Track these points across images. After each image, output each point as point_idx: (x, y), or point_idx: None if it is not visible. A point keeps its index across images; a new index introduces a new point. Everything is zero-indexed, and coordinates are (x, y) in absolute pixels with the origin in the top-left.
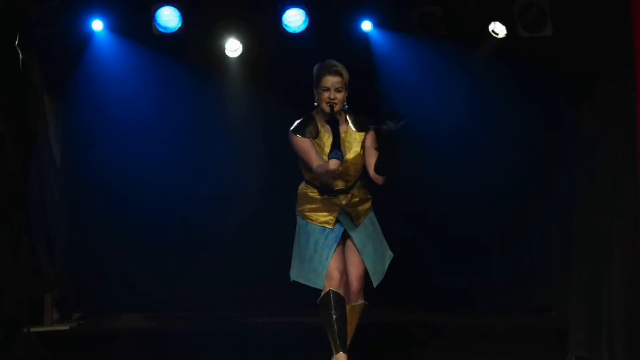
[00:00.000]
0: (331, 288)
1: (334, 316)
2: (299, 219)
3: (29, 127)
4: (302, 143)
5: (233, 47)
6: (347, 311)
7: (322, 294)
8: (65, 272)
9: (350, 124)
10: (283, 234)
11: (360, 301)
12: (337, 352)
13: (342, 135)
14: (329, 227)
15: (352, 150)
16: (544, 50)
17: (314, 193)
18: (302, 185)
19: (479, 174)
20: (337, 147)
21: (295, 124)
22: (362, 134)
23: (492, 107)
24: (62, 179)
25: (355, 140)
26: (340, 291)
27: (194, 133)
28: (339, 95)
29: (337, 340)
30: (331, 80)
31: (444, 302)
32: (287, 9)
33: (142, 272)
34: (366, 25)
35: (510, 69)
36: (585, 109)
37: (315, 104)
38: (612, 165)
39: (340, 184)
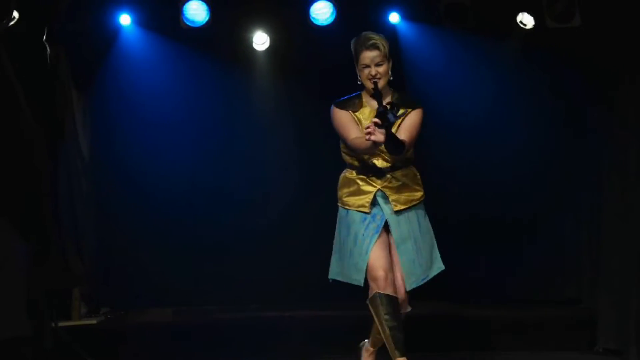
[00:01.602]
0: (378, 290)
1: (385, 318)
2: (339, 208)
3: (58, 122)
4: (341, 116)
5: (261, 41)
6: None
7: (370, 295)
8: (94, 267)
9: (392, 97)
10: (310, 228)
11: (406, 309)
12: (394, 357)
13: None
14: (365, 210)
15: (394, 128)
16: (572, 41)
17: (352, 175)
18: (343, 173)
19: (506, 165)
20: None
21: (339, 99)
22: (403, 110)
23: (520, 98)
24: (90, 173)
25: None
26: (389, 291)
27: (221, 127)
28: (381, 69)
29: (392, 344)
30: (369, 56)
31: (472, 294)
32: (315, 1)
33: (169, 267)
34: (394, 17)
35: (537, 61)
36: (614, 100)
37: (359, 82)
38: None
39: (379, 163)
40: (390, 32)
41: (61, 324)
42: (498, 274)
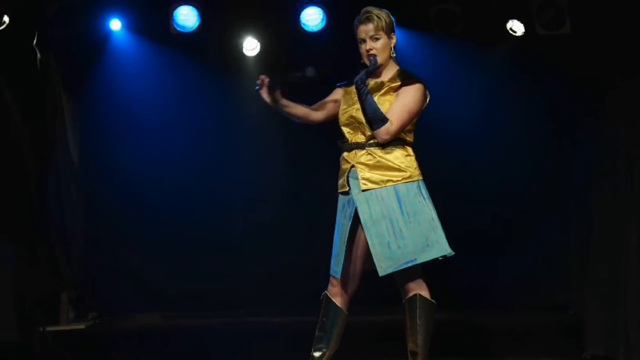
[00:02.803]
0: (327, 293)
1: (322, 319)
2: None
3: (47, 127)
4: (333, 92)
5: (251, 46)
6: (404, 306)
7: (323, 294)
8: (82, 272)
9: (394, 73)
10: (301, 232)
11: (417, 292)
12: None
13: (379, 79)
14: (345, 190)
15: (379, 101)
16: (561, 48)
17: (341, 157)
18: None
19: (494, 171)
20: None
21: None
22: (390, 83)
23: (509, 105)
24: (79, 178)
25: (377, 90)
26: (338, 300)
27: (211, 132)
28: (378, 44)
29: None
30: (364, 30)
31: (460, 300)
32: (305, 7)
33: (159, 271)
34: None
35: (527, 68)
36: (605, 107)
37: (361, 61)
38: (630, 163)
39: (355, 137)
40: None
41: (49, 328)
42: (486, 280)
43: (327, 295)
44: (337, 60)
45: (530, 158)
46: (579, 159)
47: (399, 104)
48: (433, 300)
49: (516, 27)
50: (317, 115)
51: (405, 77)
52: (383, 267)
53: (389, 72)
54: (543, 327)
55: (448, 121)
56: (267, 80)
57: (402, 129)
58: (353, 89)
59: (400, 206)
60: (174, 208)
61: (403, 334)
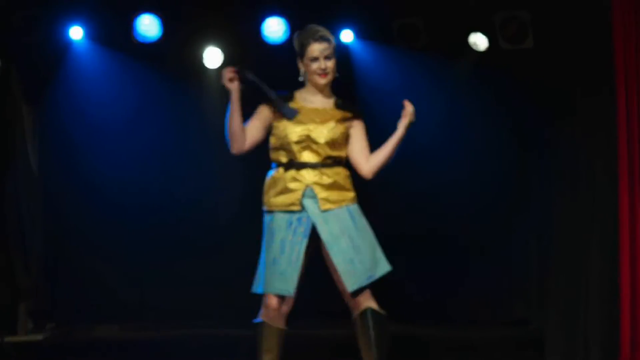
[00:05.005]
0: (265, 319)
1: (264, 349)
2: (264, 215)
3: (7, 136)
4: (259, 110)
5: (213, 57)
6: (355, 322)
7: (257, 320)
8: (41, 282)
9: (334, 100)
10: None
11: (367, 305)
12: None
13: (319, 106)
14: (296, 209)
15: (327, 124)
16: (524, 62)
17: (279, 174)
18: (268, 175)
19: (457, 187)
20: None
21: None
22: (344, 112)
23: (472, 118)
24: (40, 188)
25: (332, 116)
26: (278, 323)
27: (174, 141)
28: (330, 64)
29: None
30: (319, 49)
31: (419, 314)
32: (268, 18)
33: (120, 282)
34: (347, 36)
35: (490, 81)
36: (565, 120)
37: (301, 78)
38: (592, 177)
39: (307, 157)
40: (343, 51)
41: (7, 339)
42: (446, 294)
43: (267, 323)
44: (298, 72)
45: (491, 172)
46: (540, 173)
47: (366, 141)
48: (384, 312)
49: (479, 41)
50: (246, 142)
51: (352, 107)
52: (350, 283)
53: (330, 95)
54: (504, 342)
55: (411, 133)
56: (237, 72)
57: None
58: (306, 106)
59: (355, 223)
60: (134, 218)
61: (356, 348)
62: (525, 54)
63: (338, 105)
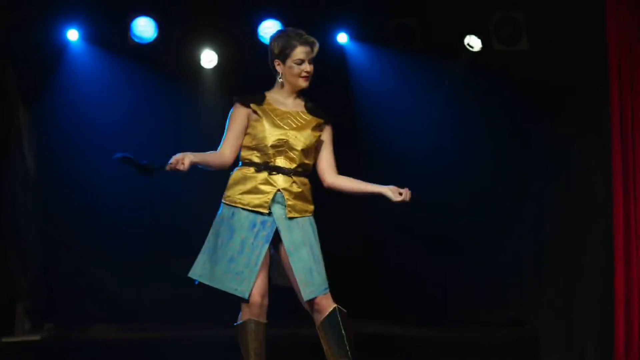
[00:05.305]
0: (251, 317)
1: (252, 347)
2: (223, 208)
3: (3, 136)
4: (236, 113)
5: (208, 58)
6: (322, 326)
7: (240, 320)
8: (38, 282)
9: (305, 103)
10: None
11: (333, 306)
12: None
13: (291, 108)
14: (264, 211)
15: (304, 132)
16: (519, 64)
17: (249, 171)
18: (237, 170)
19: (453, 187)
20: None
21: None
22: (317, 119)
23: (467, 119)
24: (36, 189)
25: (307, 123)
26: (263, 318)
27: (169, 142)
28: (311, 68)
29: None
30: (305, 51)
31: (415, 315)
32: (264, 20)
33: (116, 282)
34: (342, 38)
35: (484, 82)
36: (559, 121)
37: (280, 79)
38: (586, 178)
39: (281, 162)
40: (338, 52)
41: (4, 339)
42: (441, 295)
43: (256, 320)
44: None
45: (486, 173)
46: (535, 173)
47: (332, 147)
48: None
49: (474, 42)
50: (231, 155)
51: (322, 112)
52: (307, 292)
53: (300, 96)
54: (499, 343)
55: (406, 134)
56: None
57: None
58: (279, 109)
59: (314, 236)
60: (131, 218)
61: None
62: (520, 56)
63: (309, 109)
